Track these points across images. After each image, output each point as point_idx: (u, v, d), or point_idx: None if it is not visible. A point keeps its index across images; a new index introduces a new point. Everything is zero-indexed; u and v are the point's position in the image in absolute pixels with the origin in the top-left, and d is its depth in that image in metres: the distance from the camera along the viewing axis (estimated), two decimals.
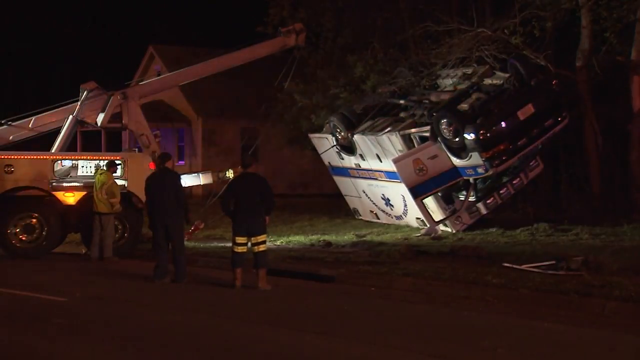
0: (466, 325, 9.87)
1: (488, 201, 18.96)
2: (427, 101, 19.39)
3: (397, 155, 18.46)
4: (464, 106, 17.96)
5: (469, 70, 19.51)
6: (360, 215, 21.89)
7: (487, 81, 18.73)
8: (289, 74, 20.40)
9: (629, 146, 21.88)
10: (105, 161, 16.30)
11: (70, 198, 15.97)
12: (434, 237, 17.75)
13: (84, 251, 16.48)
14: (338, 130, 20.23)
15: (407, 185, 18.14)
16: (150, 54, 35.46)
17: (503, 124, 17.18)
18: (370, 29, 26.04)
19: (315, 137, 22.26)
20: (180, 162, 32.40)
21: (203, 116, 32.94)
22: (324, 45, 26.95)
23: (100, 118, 17.54)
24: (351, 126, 20.00)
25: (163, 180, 13.04)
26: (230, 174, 18.01)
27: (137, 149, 18.49)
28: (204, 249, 16.73)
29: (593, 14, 21.83)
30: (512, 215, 21.79)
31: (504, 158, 17.29)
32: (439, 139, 17.60)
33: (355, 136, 19.72)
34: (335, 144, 20.49)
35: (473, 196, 18.85)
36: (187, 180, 17.89)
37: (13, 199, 15.98)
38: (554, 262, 13.16)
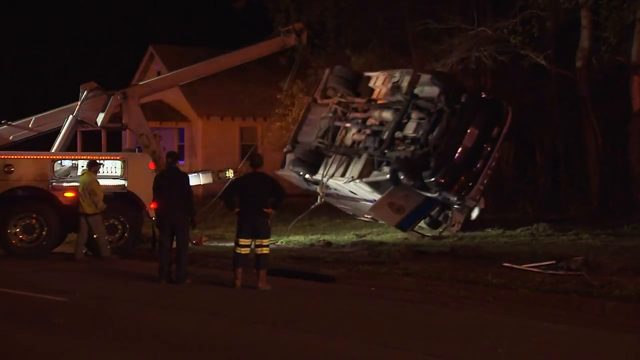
0: (466, 325, 9.86)
1: (472, 194, 18.55)
2: (371, 119, 18.65)
3: (369, 199, 18.22)
4: (409, 132, 17.56)
5: (396, 75, 18.74)
6: (359, 216, 21.83)
7: (419, 88, 18.02)
8: (293, 77, 20.31)
9: (629, 146, 21.89)
10: (106, 161, 16.38)
11: (71, 198, 15.94)
12: (435, 237, 17.74)
13: (84, 251, 16.46)
14: (301, 173, 19.49)
15: (391, 226, 18.07)
16: (150, 54, 35.43)
17: (455, 158, 16.93)
18: (371, 28, 26.07)
19: (284, 175, 20.44)
20: (180, 161, 32.29)
21: (203, 116, 32.94)
22: (325, 45, 26.98)
23: (100, 118, 17.53)
24: (312, 169, 19.18)
25: (173, 180, 13.05)
26: (230, 173, 18.01)
27: (137, 149, 18.48)
28: (204, 248, 16.72)
29: (593, 14, 21.85)
30: (512, 215, 21.82)
31: (470, 184, 17.17)
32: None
33: (323, 180, 19.02)
34: (319, 196, 19.48)
35: (456, 204, 18.55)
36: None
37: (13, 199, 15.97)
38: (554, 262, 13.17)
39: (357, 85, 19.46)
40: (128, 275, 13.97)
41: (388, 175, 17.29)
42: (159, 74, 30.94)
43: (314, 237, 18.59)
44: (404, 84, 18.17)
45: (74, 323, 9.79)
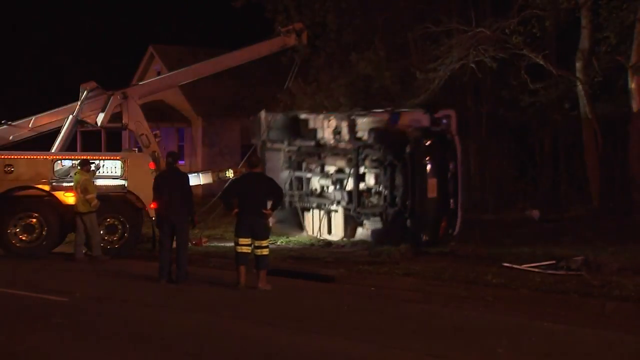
0: (466, 325, 9.87)
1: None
2: (327, 165, 18.45)
3: None
4: (371, 183, 17.36)
5: (332, 119, 18.28)
6: None
7: (361, 132, 17.52)
8: (292, 77, 20.26)
9: (629, 146, 21.90)
10: (105, 161, 16.40)
11: (70, 198, 15.93)
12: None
13: (84, 251, 16.46)
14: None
15: None
16: (150, 54, 35.46)
17: (429, 213, 16.47)
18: (371, 29, 26.09)
19: None
20: (180, 161, 32.32)
21: (203, 116, 32.96)
22: (325, 46, 27.00)
23: (100, 118, 17.53)
24: (296, 225, 19.17)
25: (173, 180, 13.06)
26: (230, 173, 18.01)
27: (137, 149, 18.48)
28: (204, 248, 16.71)
29: (593, 14, 21.85)
30: (512, 215, 21.83)
31: (453, 223, 16.94)
32: None
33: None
34: None
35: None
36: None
37: (13, 199, 15.96)
38: (554, 262, 13.18)
39: (298, 128, 19.16)
40: (128, 275, 13.97)
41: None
42: (159, 74, 30.97)
43: (316, 237, 18.58)
44: (344, 129, 17.87)
45: (74, 323, 9.79)
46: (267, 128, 19.43)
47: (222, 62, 19.78)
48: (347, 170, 17.96)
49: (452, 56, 21.77)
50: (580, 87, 22.59)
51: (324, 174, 18.68)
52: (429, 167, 16.45)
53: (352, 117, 17.96)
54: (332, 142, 18.36)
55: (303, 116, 19.37)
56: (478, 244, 15.84)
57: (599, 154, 22.75)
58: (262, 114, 19.75)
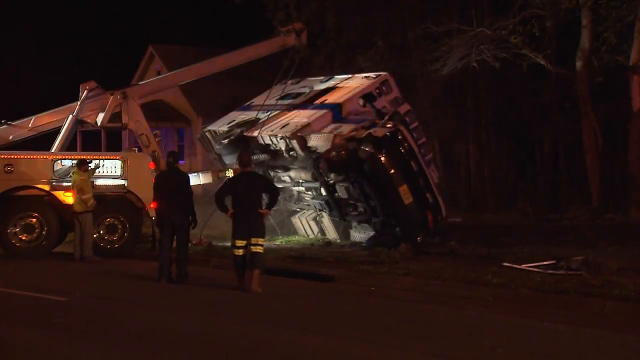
0: (466, 325, 9.86)
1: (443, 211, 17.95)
2: (295, 175, 18.12)
3: None
4: (345, 196, 16.92)
5: (279, 136, 17.66)
6: None
7: (315, 147, 17.09)
8: (287, 76, 20.22)
9: (628, 146, 21.91)
10: (105, 161, 16.43)
11: (70, 198, 15.95)
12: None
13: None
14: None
15: None
16: (150, 54, 35.49)
17: (412, 214, 16.17)
18: (372, 28, 26.10)
19: None
20: (180, 161, 32.28)
21: (203, 116, 32.95)
22: (324, 46, 27.00)
23: (100, 118, 17.55)
24: (292, 231, 19.26)
25: (173, 180, 13.06)
26: (230, 173, 18.01)
27: (137, 149, 18.49)
28: (204, 248, 16.72)
29: (593, 14, 21.87)
30: (512, 215, 21.85)
31: (438, 213, 16.71)
32: None
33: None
34: None
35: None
36: None
37: (13, 199, 15.97)
38: (554, 261, 13.18)
39: (248, 144, 18.60)
40: (128, 275, 13.98)
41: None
42: (159, 74, 30.99)
43: (314, 237, 18.60)
44: (296, 147, 17.31)
45: (74, 323, 9.79)
46: (215, 143, 19.33)
47: (222, 62, 19.78)
48: (311, 179, 17.59)
49: (453, 56, 21.81)
50: (580, 87, 22.61)
51: (295, 182, 18.35)
52: (395, 178, 15.88)
53: (301, 135, 17.21)
54: (288, 157, 17.88)
55: (248, 134, 18.54)
56: (478, 244, 15.85)
57: (599, 154, 22.77)
58: (206, 132, 19.67)
